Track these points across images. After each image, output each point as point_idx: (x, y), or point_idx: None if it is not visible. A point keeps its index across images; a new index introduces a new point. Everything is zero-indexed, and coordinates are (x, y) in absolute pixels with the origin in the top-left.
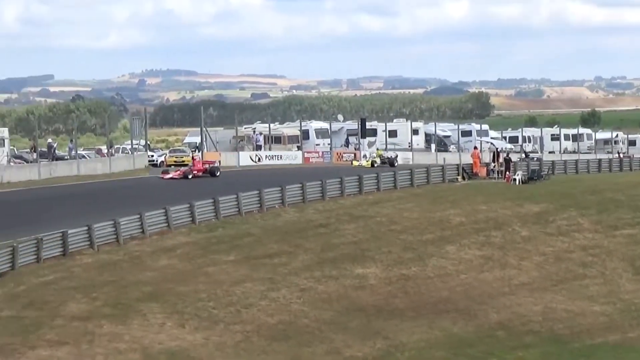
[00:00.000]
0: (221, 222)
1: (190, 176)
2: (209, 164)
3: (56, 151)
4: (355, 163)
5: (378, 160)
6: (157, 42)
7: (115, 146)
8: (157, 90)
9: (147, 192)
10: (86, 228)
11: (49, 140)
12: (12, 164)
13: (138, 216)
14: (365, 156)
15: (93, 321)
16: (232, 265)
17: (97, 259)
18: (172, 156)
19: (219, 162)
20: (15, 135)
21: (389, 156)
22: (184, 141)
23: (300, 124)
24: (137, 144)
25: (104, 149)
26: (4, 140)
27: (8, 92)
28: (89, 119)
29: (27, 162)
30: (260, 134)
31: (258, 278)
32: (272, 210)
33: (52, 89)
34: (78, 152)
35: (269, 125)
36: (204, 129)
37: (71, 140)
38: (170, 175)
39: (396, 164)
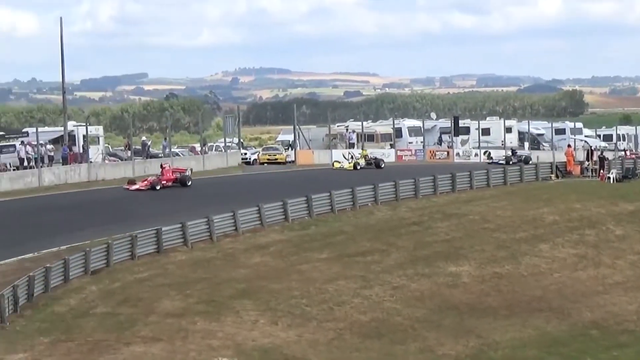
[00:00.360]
0: (314, 220)
1: (158, 187)
2: (180, 172)
3: (150, 149)
4: (336, 165)
5: (362, 162)
6: (250, 40)
7: (209, 144)
8: (250, 89)
9: (240, 190)
10: (180, 225)
11: (143, 138)
12: (106, 161)
13: (231, 214)
14: (352, 157)
15: (187, 318)
16: (324, 263)
17: (190, 256)
18: (265, 154)
19: (191, 170)
20: (110, 133)
21: (375, 157)
22: (277, 139)
23: (393, 122)
24: (230, 142)
25: (198, 146)
26: (98, 138)
27: (103, 91)
28: (182, 117)
29: (122, 159)
30: (353, 132)
31: (351, 276)
32: (365, 208)
33: (146, 87)
34: (172, 149)
35: (362, 123)
36: (297, 127)
37: (165, 138)
38: (136, 186)
39: (383, 166)
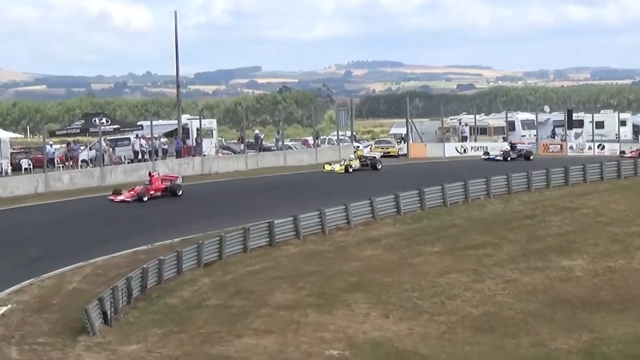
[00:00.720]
0: (426, 213)
1: (145, 198)
2: (170, 179)
3: (263, 142)
4: (327, 167)
5: (356, 164)
6: (363, 33)
7: (322, 137)
8: (363, 82)
9: (352, 183)
10: (292, 218)
11: (256, 131)
12: (219, 154)
13: (343, 207)
14: (344, 159)
15: (298, 310)
16: (436, 256)
17: (302, 249)
18: (378, 147)
19: (182, 178)
20: (223, 126)
21: (372, 157)
22: (390, 132)
23: (506, 115)
24: (343, 135)
25: (310, 140)
26: (212, 131)
27: (217, 84)
28: (295, 110)
29: (235, 153)
30: (466, 125)
31: (462, 269)
32: (477, 202)
33: (259, 81)
34: (285, 143)
35: (475, 116)
36: (410, 120)
37: (278, 131)
38: (121, 197)
39: (379, 167)
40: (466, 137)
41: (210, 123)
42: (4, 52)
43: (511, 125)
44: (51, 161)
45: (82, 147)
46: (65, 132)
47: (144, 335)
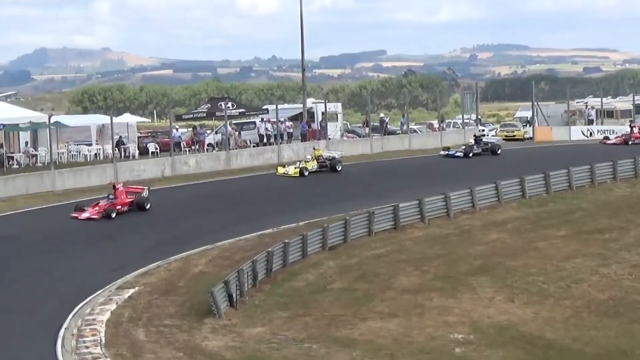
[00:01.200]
0: (552, 196)
1: (114, 214)
2: (137, 192)
3: (388, 126)
4: (280, 170)
5: (313, 165)
6: (489, 16)
7: (447, 120)
8: (488, 65)
9: (477, 166)
10: (417, 202)
11: (381, 114)
12: (344, 138)
13: (468, 190)
14: (299, 161)
15: (423, 294)
16: (562, 240)
17: (427, 232)
18: (503, 130)
19: (148, 189)
20: (348, 110)
21: (331, 157)
22: (515, 115)
23: (634, 98)
24: (468, 119)
25: (435, 123)
26: (337, 115)
27: (342, 68)
28: (420, 94)
29: (360, 136)
30: (592, 108)
31: (588, 253)
32: (604, 185)
33: (384, 64)
34: (409, 126)
35: (601, 99)
36: (535, 103)
37: (403, 115)
38: (86, 215)
39: (339, 168)
40: (592, 120)
41: (336, 107)
42: (131, 38)
43: (638, 109)
44: (177, 145)
45: (208, 131)
46: (191, 116)
47: (269, 317)
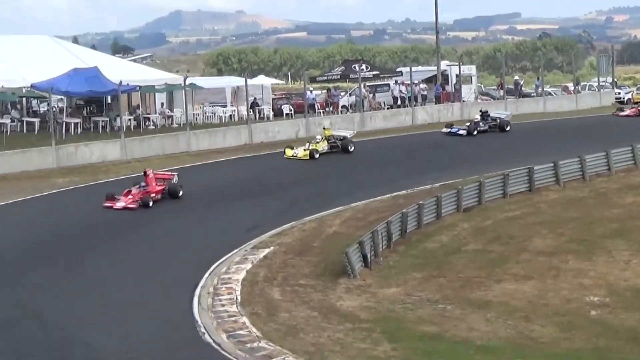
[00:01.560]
0: None
1: (150, 203)
2: (166, 178)
3: (522, 88)
4: (288, 152)
5: (323, 146)
6: None
7: (582, 83)
8: (624, 28)
9: (612, 130)
10: (552, 165)
11: (516, 77)
12: (479, 100)
13: (604, 153)
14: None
15: (558, 256)
16: None
17: (562, 195)
18: (639, 93)
19: (177, 176)
20: (483, 72)
21: (342, 137)
22: None
23: None
24: (603, 82)
25: (570, 86)
26: (471, 78)
27: (476, 30)
28: (555, 57)
29: (494, 99)
30: None
31: None
32: None
33: (519, 27)
34: (544, 89)
35: None
36: None
37: (538, 78)
38: (122, 204)
39: (351, 149)
40: None
41: (470, 69)
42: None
43: None
44: (312, 107)
45: (342, 93)
46: (325, 78)
47: (404, 278)
